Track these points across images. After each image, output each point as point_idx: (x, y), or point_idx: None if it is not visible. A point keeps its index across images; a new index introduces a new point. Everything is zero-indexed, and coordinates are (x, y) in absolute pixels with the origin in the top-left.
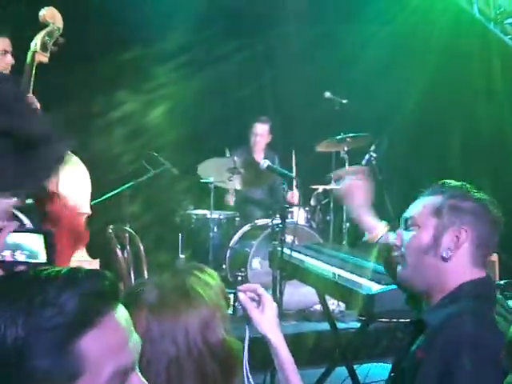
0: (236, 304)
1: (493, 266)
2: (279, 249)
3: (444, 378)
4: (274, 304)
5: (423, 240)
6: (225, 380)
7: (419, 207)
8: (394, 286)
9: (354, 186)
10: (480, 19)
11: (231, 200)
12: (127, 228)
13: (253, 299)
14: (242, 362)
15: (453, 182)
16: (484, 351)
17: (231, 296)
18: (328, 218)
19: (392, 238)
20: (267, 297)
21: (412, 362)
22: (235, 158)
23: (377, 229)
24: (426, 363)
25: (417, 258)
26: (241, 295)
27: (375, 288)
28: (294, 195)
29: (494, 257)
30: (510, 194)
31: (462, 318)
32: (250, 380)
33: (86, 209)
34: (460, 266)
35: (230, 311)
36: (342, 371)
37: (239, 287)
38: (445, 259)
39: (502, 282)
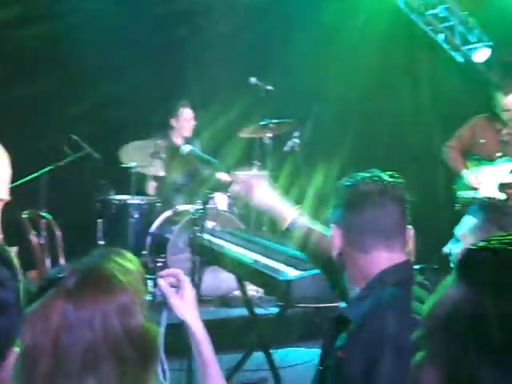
0: (155, 290)
1: (409, 253)
2: (199, 234)
3: (367, 377)
4: (193, 290)
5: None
6: (142, 366)
7: None
8: (312, 272)
9: (248, 185)
10: (404, 10)
11: (151, 186)
12: (43, 213)
13: (172, 285)
14: (160, 348)
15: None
16: (404, 348)
17: (151, 282)
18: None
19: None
20: (187, 283)
21: (335, 362)
22: (158, 142)
23: (286, 214)
24: (348, 363)
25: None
26: (160, 281)
27: (293, 274)
28: (225, 176)
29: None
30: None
31: (382, 314)
32: (165, 366)
33: (2, 194)
34: (369, 255)
35: (149, 297)
36: (259, 356)
37: (159, 273)
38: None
39: (417, 267)
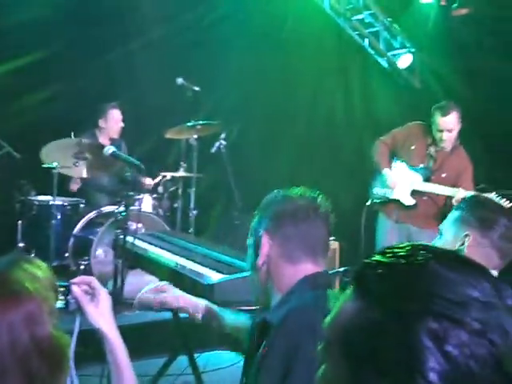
0: (69, 297)
1: (334, 254)
2: (122, 237)
3: (288, 365)
4: (109, 296)
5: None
6: (52, 377)
7: None
8: (236, 276)
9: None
10: (331, 14)
11: (75, 187)
12: None
13: (87, 292)
14: (70, 357)
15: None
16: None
17: (64, 289)
18: (176, 205)
19: None
20: (101, 290)
21: (258, 362)
22: (82, 140)
23: (198, 308)
24: (268, 356)
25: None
26: (74, 288)
27: (216, 277)
28: (151, 183)
29: (335, 244)
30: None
31: (302, 310)
32: (73, 375)
33: None
34: (296, 266)
35: (62, 304)
36: (183, 360)
37: (72, 280)
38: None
39: (341, 270)
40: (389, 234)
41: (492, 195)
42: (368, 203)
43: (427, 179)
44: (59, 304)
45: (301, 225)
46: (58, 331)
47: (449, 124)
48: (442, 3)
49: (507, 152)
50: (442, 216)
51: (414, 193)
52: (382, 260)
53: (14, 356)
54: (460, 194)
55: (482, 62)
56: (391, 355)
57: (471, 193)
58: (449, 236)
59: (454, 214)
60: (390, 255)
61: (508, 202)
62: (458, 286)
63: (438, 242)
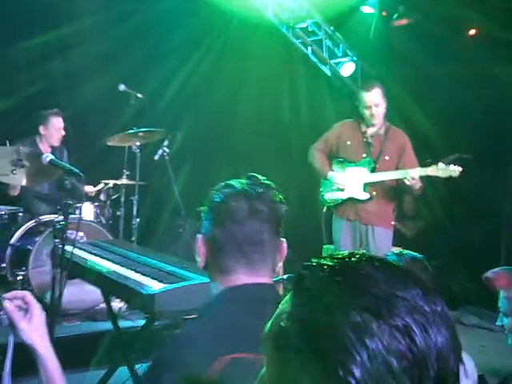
0: (1, 313)
1: None
2: (61, 246)
3: None
4: (42, 311)
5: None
6: None
7: None
8: (177, 285)
9: None
10: (274, 23)
11: (15, 191)
12: None
13: (20, 307)
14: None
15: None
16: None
17: None
18: (118, 213)
19: None
20: (35, 305)
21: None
22: (21, 148)
23: None
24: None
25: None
26: (6, 303)
27: (157, 287)
28: (92, 190)
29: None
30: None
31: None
32: None
33: None
34: (227, 275)
35: None
36: (124, 371)
37: (4, 295)
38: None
39: (285, 277)
40: (344, 235)
41: (440, 164)
42: (324, 210)
43: (373, 169)
44: None
45: (233, 228)
46: None
47: (374, 98)
48: (383, 14)
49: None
50: (396, 213)
51: (366, 186)
52: (320, 262)
53: None
54: (411, 173)
55: (420, 70)
56: (318, 346)
57: (418, 169)
58: None
59: None
60: (328, 258)
61: (458, 166)
62: (386, 284)
63: None
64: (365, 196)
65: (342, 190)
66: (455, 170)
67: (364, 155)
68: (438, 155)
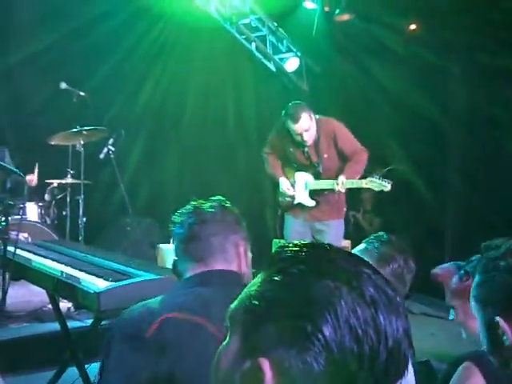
0: None
1: None
2: (2, 247)
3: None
4: None
5: None
6: None
7: None
8: (123, 283)
9: None
10: (217, 19)
11: None
12: None
13: None
14: None
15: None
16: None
17: None
18: (64, 213)
19: None
20: None
21: None
22: None
23: None
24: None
25: None
26: None
27: (102, 285)
28: (33, 178)
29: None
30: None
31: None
32: None
33: None
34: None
35: None
36: (73, 371)
37: None
38: None
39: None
40: (295, 233)
41: (373, 177)
42: (278, 213)
43: (317, 174)
44: None
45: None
46: None
47: (304, 125)
48: (326, 9)
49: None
50: (343, 203)
51: (312, 193)
52: (291, 243)
53: None
54: (337, 187)
55: (362, 64)
56: (290, 303)
57: (352, 181)
58: None
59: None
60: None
61: (388, 182)
62: (353, 262)
63: None
64: (311, 203)
65: (292, 196)
66: (386, 186)
67: (308, 162)
68: (383, 152)
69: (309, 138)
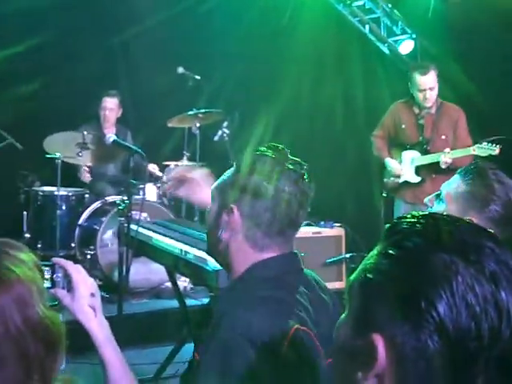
0: (54, 276)
1: (339, 241)
2: (126, 225)
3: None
4: (90, 283)
5: (209, 219)
6: (49, 357)
7: None
8: None
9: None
10: (331, 0)
11: (86, 176)
12: None
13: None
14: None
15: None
16: (262, 352)
17: (48, 268)
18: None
19: None
20: (77, 278)
21: (190, 362)
22: (84, 133)
23: None
24: (201, 366)
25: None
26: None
27: None
28: (152, 167)
29: (341, 231)
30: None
31: (233, 318)
32: None
33: None
34: (239, 248)
35: (48, 284)
36: (190, 348)
37: (54, 259)
38: (222, 240)
39: (347, 256)
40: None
41: (481, 144)
42: (384, 194)
43: (425, 151)
44: (46, 284)
45: (266, 203)
46: (49, 311)
47: (429, 82)
48: None
49: None
50: None
51: (418, 170)
52: (410, 214)
53: (9, 340)
54: (443, 158)
55: (477, 45)
56: (405, 278)
57: (459, 150)
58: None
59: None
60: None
61: (496, 145)
62: (473, 234)
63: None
64: (417, 179)
65: (398, 175)
66: (494, 149)
67: (419, 137)
68: (492, 132)
69: (430, 98)
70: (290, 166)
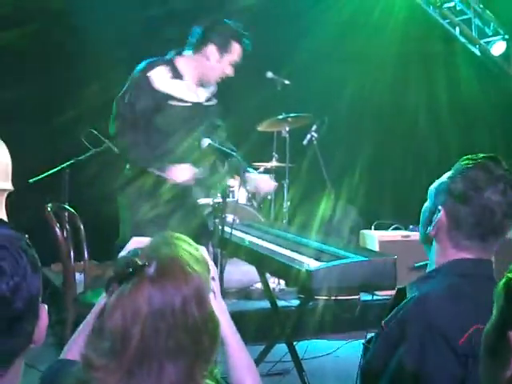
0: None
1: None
2: (220, 227)
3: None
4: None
5: (424, 214)
6: (212, 350)
7: None
8: (333, 263)
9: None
10: (421, 3)
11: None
12: (66, 207)
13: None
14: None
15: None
16: (437, 336)
17: None
18: (269, 197)
19: None
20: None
21: (376, 334)
22: None
23: None
24: (384, 336)
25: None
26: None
27: (313, 265)
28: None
29: None
30: None
31: (430, 299)
32: None
33: (4, 185)
34: (442, 244)
35: None
36: (281, 348)
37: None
38: (429, 234)
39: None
40: None
41: None
42: None
43: None
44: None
45: (476, 209)
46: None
47: None
48: None
49: None
50: None
51: None
52: None
53: (188, 333)
54: None
55: None
56: None
57: None
58: None
59: None
60: None
61: None
62: None
63: None
64: None
65: None
66: None
67: None
68: None
69: None
70: (500, 177)
